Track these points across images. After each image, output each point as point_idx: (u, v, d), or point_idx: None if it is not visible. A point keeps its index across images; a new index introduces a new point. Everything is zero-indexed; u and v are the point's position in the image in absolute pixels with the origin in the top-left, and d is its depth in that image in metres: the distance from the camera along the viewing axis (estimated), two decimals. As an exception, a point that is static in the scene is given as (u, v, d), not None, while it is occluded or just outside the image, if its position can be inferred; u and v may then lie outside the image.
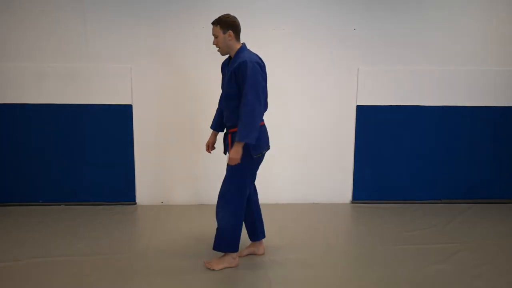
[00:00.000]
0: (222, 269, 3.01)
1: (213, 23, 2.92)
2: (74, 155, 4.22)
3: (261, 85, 2.85)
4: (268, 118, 4.28)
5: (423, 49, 4.23)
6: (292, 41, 4.17)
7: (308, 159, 4.35)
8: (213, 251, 3.08)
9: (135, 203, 4.32)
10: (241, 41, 3.04)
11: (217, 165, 4.18)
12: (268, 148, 3.08)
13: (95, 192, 4.28)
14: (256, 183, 3.26)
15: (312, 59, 4.20)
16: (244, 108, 2.79)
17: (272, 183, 4.30)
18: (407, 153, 4.39)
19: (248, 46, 4.14)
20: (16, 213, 4.04)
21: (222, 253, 3.09)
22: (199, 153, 4.28)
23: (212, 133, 3.30)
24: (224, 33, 2.87)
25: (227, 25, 2.87)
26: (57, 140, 4.19)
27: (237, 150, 2.82)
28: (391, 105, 4.31)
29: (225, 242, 2.99)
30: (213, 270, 3.00)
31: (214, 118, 3.29)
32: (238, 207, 2.97)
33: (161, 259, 3.17)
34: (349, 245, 3.55)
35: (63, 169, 4.23)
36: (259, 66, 2.88)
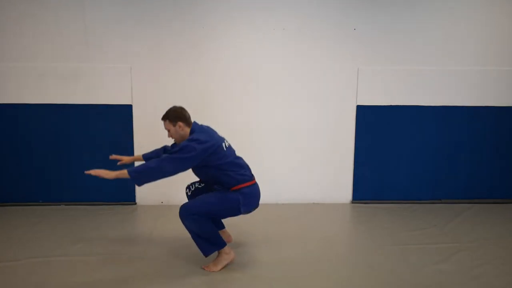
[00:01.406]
0: (222, 268, 3.01)
1: (162, 119, 3.06)
2: (74, 155, 4.22)
3: (187, 161, 2.85)
4: (269, 118, 4.31)
5: (423, 49, 4.23)
6: (292, 41, 4.17)
7: (308, 159, 4.35)
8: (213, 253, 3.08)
9: (135, 203, 4.32)
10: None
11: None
12: (256, 207, 3.10)
13: (95, 192, 4.28)
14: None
15: (312, 59, 4.20)
16: (164, 160, 2.85)
17: (272, 183, 4.30)
18: (407, 153, 4.39)
19: (248, 46, 4.17)
20: (16, 213, 4.04)
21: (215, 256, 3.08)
22: (199, 153, 4.28)
23: (138, 157, 3.35)
24: (174, 125, 3.02)
25: (174, 117, 3.01)
26: (57, 140, 4.19)
27: (115, 175, 2.89)
28: (391, 105, 4.31)
29: (209, 243, 2.97)
30: (212, 270, 3.00)
31: (153, 151, 3.35)
32: (199, 214, 2.91)
33: (161, 259, 3.17)
34: (349, 245, 3.55)
35: (63, 169, 4.23)
36: (207, 143, 2.89)
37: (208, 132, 3.04)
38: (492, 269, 3.07)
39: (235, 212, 3.01)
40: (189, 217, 2.88)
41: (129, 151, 4.23)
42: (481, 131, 4.39)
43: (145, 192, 4.30)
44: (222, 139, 3.04)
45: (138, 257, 3.21)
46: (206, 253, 3.00)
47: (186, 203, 2.97)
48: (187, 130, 3.03)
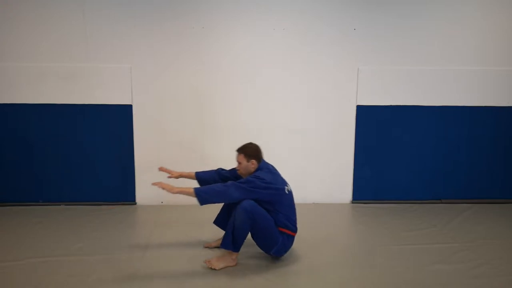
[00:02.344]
0: (222, 268, 3.01)
1: (238, 151, 3.15)
2: (74, 155, 4.22)
3: (251, 194, 2.96)
4: (269, 118, 4.31)
5: (423, 49, 4.23)
6: (292, 41, 4.17)
7: (308, 159, 4.35)
8: (212, 251, 3.10)
9: (135, 203, 4.32)
10: None
11: (217, 165, 4.18)
12: (280, 256, 3.20)
13: (95, 192, 4.28)
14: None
15: (312, 59, 4.20)
16: (231, 186, 2.94)
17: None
18: (407, 153, 4.39)
19: (248, 46, 4.17)
20: (16, 213, 4.04)
21: (222, 253, 3.10)
22: (199, 153, 4.28)
23: (189, 174, 3.34)
24: (247, 161, 3.11)
25: (250, 155, 3.11)
26: (57, 140, 4.19)
27: (178, 191, 2.92)
28: (391, 105, 4.31)
29: (233, 241, 3.00)
30: (214, 269, 3.00)
31: (206, 172, 3.35)
32: (255, 220, 2.98)
33: (161, 259, 3.17)
34: (349, 245, 3.55)
35: (63, 169, 4.23)
36: (270, 185, 3.01)
37: (273, 174, 3.13)
38: (492, 269, 3.07)
39: (269, 246, 3.07)
40: (250, 213, 2.91)
41: (129, 151, 4.23)
42: (481, 131, 4.39)
43: (145, 192, 4.30)
44: (285, 183, 3.14)
45: (138, 257, 3.21)
46: (224, 246, 3.01)
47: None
48: (256, 166, 3.13)
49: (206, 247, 3.34)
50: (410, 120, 4.33)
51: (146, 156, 4.25)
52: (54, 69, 4.08)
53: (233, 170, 3.29)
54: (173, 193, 2.93)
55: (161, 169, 3.33)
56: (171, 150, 4.26)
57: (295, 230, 3.14)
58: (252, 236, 3.10)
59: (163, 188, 2.92)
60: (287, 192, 3.11)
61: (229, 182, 3.00)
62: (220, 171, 3.34)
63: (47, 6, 4.00)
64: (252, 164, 3.10)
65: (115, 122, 4.19)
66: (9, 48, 4.05)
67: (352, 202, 4.43)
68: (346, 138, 4.35)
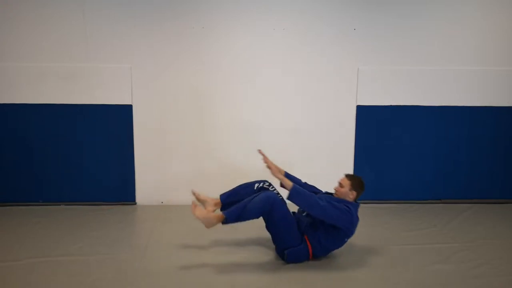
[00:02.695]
0: (197, 217, 2.99)
1: (346, 176, 3.23)
2: (74, 155, 4.22)
3: (338, 217, 3.03)
4: (268, 118, 4.31)
5: (423, 49, 4.23)
6: (292, 41, 4.17)
7: (308, 159, 4.35)
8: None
9: (135, 203, 4.32)
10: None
11: (217, 165, 4.18)
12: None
13: (95, 192, 4.28)
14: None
15: (312, 59, 4.20)
16: (327, 207, 3.00)
17: (272, 183, 4.29)
18: (407, 153, 4.39)
19: (248, 46, 4.17)
20: (16, 213, 4.04)
21: (217, 213, 3.07)
22: (199, 153, 4.28)
23: (286, 175, 3.35)
24: (350, 190, 3.16)
25: (356, 187, 3.18)
26: (57, 140, 4.19)
27: (282, 178, 3.15)
28: (391, 105, 4.31)
29: (234, 215, 2.99)
30: (192, 213, 3.00)
31: (294, 177, 3.40)
32: (275, 205, 3.02)
33: (161, 259, 3.17)
34: (349, 245, 3.54)
35: (63, 169, 4.23)
36: (353, 226, 3.13)
37: (357, 219, 3.17)
38: (492, 269, 3.07)
39: (284, 242, 3.10)
40: (268, 204, 2.97)
41: (129, 151, 4.23)
42: (481, 131, 4.39)
43: (145, 192, 4.30)
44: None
45: (138, 257, 3.21)
46: (225, 211, 3.01)
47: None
48: (353, 199, 3.19)
49: (193, 194, 3.31)
50: (410, 120, 4.33)
51: (146, 156, 4.25)
52: (54, 69, 4.08)
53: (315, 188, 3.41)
54: (278, 177, 3.14)
55: (260, 151, 3.36)
56: (172, 150, 4.26)
57: (318, 254, 3.15)
58: (270, 229, 3.12)
59: (270, 167, 3.17)
60: (346, 239, 3.17)
61: (327, 199, 3.06)
62: (316, 191, 3.37)
63: (47, 6, 4.00)
64: (351, 195, 3.17)
65: (115, 122, 4.19)
66: (9, 48, 4.04)
67: (352, 202, 4.42)
68: (346, 138, 4.35)
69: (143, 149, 4.25)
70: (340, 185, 3.20)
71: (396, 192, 4.44)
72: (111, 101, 4.16)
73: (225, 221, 2.97)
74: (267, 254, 3.26)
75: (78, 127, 4.18)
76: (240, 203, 3.06)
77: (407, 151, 4.39)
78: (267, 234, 3.36)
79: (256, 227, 3.74)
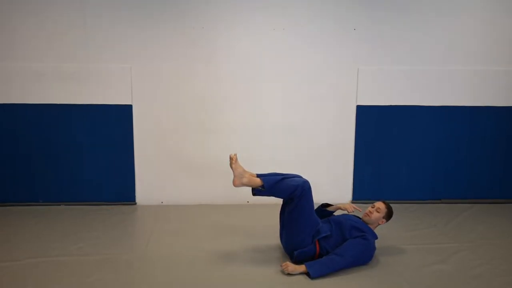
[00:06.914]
0: (234, 169, 3.02)
1: (384, 202, 3.32)
2: (74, 155, 4.22)
3: (361, 261, 3.10)
4: (268, 118, 4.31)
5: (423, 49, 4.23)
6: (292, 41, 4.17)
7: (308, 159, 4.35)
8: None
9: (135, 203, 4.32)
10: None
11: (217, 165, 4.18)
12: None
13: (95, 192, 4.28)
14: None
15: (312, 59, 4.20)
16: (341, 258, 3.01)
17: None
18: (407, 153, 4.39)
19: (248, 46, 4.18)
20: (16, 213, 4.04)
21: (257, 183, 3.06)
22: (199, 153, 4.28)
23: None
24: (382, 218, 3.25)
25: (388, 216, 3.28)
26: (57, 140, 4.19)
27: (296, 269, 2.98)
28: (391, 105, 4.31)
29: (271, 183, 3.02)
30: (230, 165, 3.02)
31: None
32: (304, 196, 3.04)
33: (161, 259, 3.17)
34: (349, 245, 3.55)
35: (63, 169, 4.23)
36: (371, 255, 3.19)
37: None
38: (492, 269, 3.07)
39: (297, 235, 3.10)
40: (299, 191, 2.99)
41: (129, 151, 4.23)
42: (481, 131, 4.39)
43: (145, 192, 4.30)
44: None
45: (138, 257, 3.21)
46: (262, 178, 3.04)
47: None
48: (378, 225, 3.28)
49: (231, 158, 3.12)
50: (410, 120, 4.33)
51: (146, 156, 4.25)
52: (54, 69, 4.08)
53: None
54: (292, 270, 2.97)
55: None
56: (172, 149, 4.26)
57: (323, 256, 3.12)
58: (287, 217, 3.12)
59: (286, 269, 2.98)
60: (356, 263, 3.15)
61: (344, 254, 3.03)
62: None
63: (47, 6, 4.00)
64: (381, 222, 3.26)
65: (115, 122, 4.19)
66: (9, 48, 4.04)
67: (352, 202, 4.42)
68: (346, 138, 4.35)
69: (143, 149, 4.25)
70: (377, 210, 3.24)
71: (396, 192, 4.44)
72: (111, 101, 4.16)
73: (261, 187, 2.98)
74: (269, 255, 3.26)
75: (78, 127, 4.18)
76: (277, 175, 3.07)
77: (407, 151, 4.39)
78: (268, 235, 3.37)
79: (256, 227, 3.75)
